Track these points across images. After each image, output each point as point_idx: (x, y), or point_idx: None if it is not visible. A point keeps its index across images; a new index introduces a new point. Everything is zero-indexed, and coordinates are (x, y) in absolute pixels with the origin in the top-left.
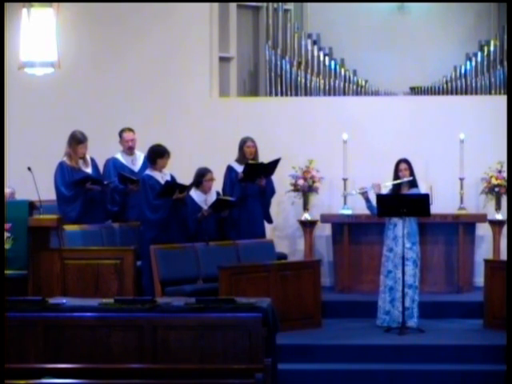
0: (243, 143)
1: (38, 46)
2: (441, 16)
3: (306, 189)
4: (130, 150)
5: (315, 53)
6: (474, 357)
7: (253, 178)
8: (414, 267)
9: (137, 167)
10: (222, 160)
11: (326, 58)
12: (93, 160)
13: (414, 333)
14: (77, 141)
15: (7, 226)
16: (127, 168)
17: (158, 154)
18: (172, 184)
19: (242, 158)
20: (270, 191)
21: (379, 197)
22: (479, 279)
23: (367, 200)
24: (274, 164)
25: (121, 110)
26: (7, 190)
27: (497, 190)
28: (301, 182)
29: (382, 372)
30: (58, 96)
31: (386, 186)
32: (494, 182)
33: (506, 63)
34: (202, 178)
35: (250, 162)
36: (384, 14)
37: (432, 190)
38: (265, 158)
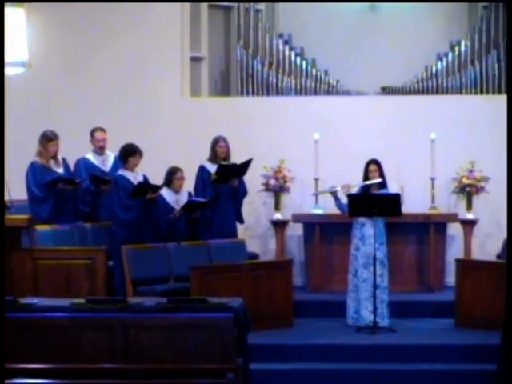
0: (215, 143)
1: (8, 45)
2: (412, 16)
3: (277, 189)
4: (100, 150)
5: (286, 53)
6: (445, 356)
7: (226, 180)
8: (381, 267)
9: (107, 167)
10: (193, 160)
11: (298, 58)
12: (64, 160)
13: (385, 332)
14: (47, 139)
15: None
16: (98, 168)
17: (129, 153)
18: (145, 184)
19: (214, 158)
20: (242, 192)
21: (351, 197)
22: (450, 279)
23: (336, 198)
24: (246, 164)
25: (92, 110)
26: None
27: (468, 189)
28: (272, 181)
29: (353, 371)
30: (29, 96)
31: (356, 187)
32: (464, 181)
33: (476, 63)
34: (172, 176)
35: (223, 163)
36: (355, 14)
37: (403, 189)
38: (236, 157)
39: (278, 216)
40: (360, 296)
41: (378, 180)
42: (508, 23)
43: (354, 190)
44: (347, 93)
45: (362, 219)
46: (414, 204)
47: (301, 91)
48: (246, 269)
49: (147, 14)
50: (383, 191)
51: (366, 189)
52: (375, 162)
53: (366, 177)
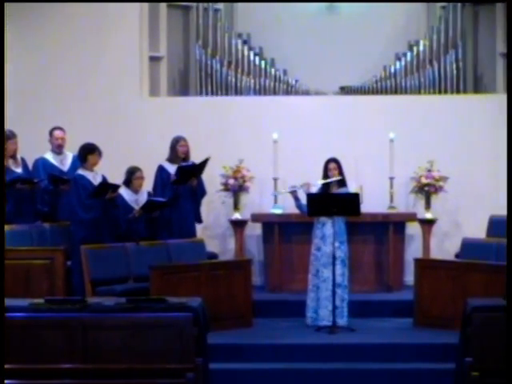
0: (176, 142)
1: None
2: (370, 16)
3: (236, 188)
4: (59, 149)
5: (245, 52)
6: (404, 355)
7: (185, 181)
8: (342, 266)
9: (66, 167)
10: (153, 159)
11: (257, 58)
12: (23, 160)
13: (344, 332)
14: (5, 137)
15: None
16: (56, 168)
17: (88, 151)
18: (106, 184)
19: (173, 158)
20: (200, 192)
21: (310, 196)
22: (409, 278)
23: (296, 199)
24: (203, 164)
25: (51, 110)
26: None
27: (426, 189)
28: (231, 181)
29: (313, 371)
30: None
31: (316, 185)
32: (423, 181)
33: (435, 63)
34: (131, 176)
35: (182, 165)
36: (314, 14)
37: (362, 189)
38: (196, 157)
39: (237, 216)
40: (320, 296)
41: (338, 178)
42: (508, 23)
43: (314, 189)
44: (306, 92)
45: (322, 219)
46: (372, 203)
47: (260, 91)
48: (205, 268)
49: (106, 13)
50: (343, 190)
51: (325, 187)
52: (334, 160)
53: (326, 175)
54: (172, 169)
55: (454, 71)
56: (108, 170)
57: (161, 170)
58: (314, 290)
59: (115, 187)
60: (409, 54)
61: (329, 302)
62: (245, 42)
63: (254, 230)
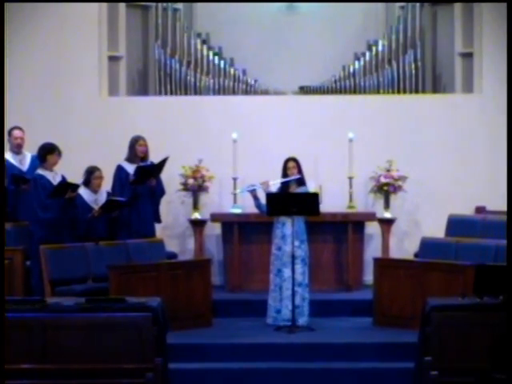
0: (135, 142)
1: None
2: (329, 16)
3: (195, 188)
4: (18, 148)
5: (204, 52)
6: (363, 354)
7: (144, 180)
8: (303, 265)
9: (25, 167)
10: (111, 159)
11: (216, 58)
12: None
13: (304, 331)
14: None
15: None
16: (15, 167)
17: (47, 151)
18: (65, 184)
19: (132, 157)
20: (159, 192)
21: (269, 196)
22: (368, 277)
23: (255, 198)
24: (162, 163)
25: (10, 110)
26: None
27: (385, 188)
28: (191, 181)
29: (273, 370)
30: None
31: (275, 184)
32: (382, 180)
33: (393, 63)
34: (90, 175)
35: (141, 165)
36: (273, 14)
37: (321, 188)
38: (154, 157)
39: (196, 215)
40: (283, 295)
41: (297, 176)
42: (508, 23)
43: (273, 188)
44: (265, 92)
45: (282, 218)
46: (332, 203)
47: (219, 91)
48: (164, 268)
49: (65, 13)
50: (301, 189)
51: (284, 186)
52: (293, 159)
53: (285, 174)
54: (131, 168)
55: (413, 71)
56: (67, 169)
57: (120, 169)
58: (276, 289)
59: (74, 187)
60: (368, 54)
61: (289, 302)
62: (204, 42)
63: (214, 229)
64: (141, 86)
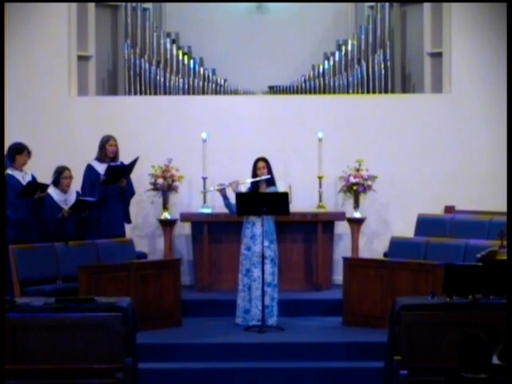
0: (105, 142)
1: None
2: (299, 15)
3: (165, 188)
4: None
5: (174, 52)
6: (333, 354)
7: (114, 180)
8: (272, 265)
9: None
10: (81, 159)
11: (185, 57)
12: None
13: (273, 331)
14: None
15: None
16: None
17: (16, 151)
18: (34, 184)
19: (103, 157)
20: (129, 192)
21: (239, 195)
22: (338, 277)
23: (225, 197)
24: (133, 164)
25: None
26: None
27: (355, 188)
28: (160, 181)
29: (242, 370)
30: None
31: (244, 184)
32: (352, 180)
33: (363, 62)
34: (59, 175)
35: (112, 165)
36: (243, 14)
37: (291, 188)
38: (124, 156)
39: (166, 215)
40: (252, 295)
41: (267, 176)
42: (508, 23)
43: (243, 187)
44: (235, 92)
45: (252, 218)
46: (301, 203)
47: (188, 90)
48: (133, 268)
49: (34, 12)
50: (271, 189)
51: (254, 186)
52: (263, 159)
53: (255, 174)
54: (101, 168)
55: (382, 71)
56: (36, 169)
57: (89, 169)
58: (244, 289)
59: (44, 187)
60: (337, 54)
61: (259, 302)
62: (173, 42)
63: (183, 229)
64: (110, 86)
